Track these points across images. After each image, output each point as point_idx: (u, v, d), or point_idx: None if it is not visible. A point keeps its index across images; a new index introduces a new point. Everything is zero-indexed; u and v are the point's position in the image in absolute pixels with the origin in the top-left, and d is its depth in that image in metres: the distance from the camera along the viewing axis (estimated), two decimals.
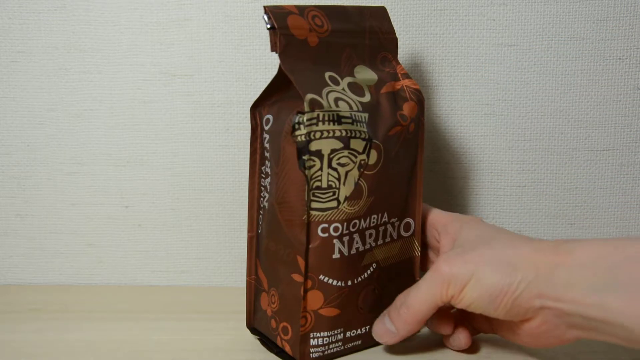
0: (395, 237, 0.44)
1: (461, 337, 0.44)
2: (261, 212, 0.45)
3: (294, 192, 0.41)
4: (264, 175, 0.45)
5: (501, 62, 0.56)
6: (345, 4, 0.45)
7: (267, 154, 0.44)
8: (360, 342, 0.44)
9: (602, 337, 0.36)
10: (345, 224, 0.41)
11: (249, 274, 0.46)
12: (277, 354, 0.44)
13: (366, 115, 0.42)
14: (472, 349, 0.45)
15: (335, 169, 0.40)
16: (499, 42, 0.56)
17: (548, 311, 0.37)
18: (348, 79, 0.43)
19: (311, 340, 0.42)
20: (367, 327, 0.44)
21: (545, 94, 0.56)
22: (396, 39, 0.46)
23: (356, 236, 0.42)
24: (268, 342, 0.45)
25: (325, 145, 0.40)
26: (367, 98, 0.43)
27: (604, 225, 0.58)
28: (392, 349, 0.45)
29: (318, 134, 0.40)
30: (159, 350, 0.45)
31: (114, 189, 0.59)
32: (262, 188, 0.45)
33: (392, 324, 0.42)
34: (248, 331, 0.48)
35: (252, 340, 0.47)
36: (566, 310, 0.36)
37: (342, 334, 0.43)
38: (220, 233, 0.59)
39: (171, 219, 0.59)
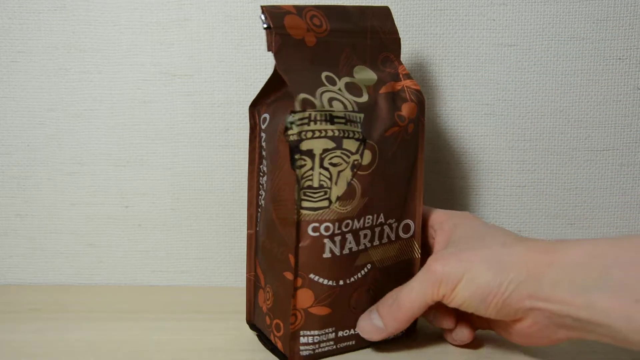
0: (394, 239, 0.44)
1: (464, 332, 0.44)
2: (259, 210, 0.46)
3: (288, 191, 0.41)
4: (261, 174, 0.45)
5: (501, 62, 0.56)
6: (346, 4, 0.45)
7: (264, 153, 0.44)
8: (353, 342, 0.44)
9: (591, 336, 0.36)
10: (336, 223, 0.41)
11: (248, 271, 0.47)
12: (271, 350, 0.44)
13: (361, 115, 0.42)
14: (473, 345, 0.45)
15: (327, 169, 0.40)
16: (499, 42, 0.56)
17: (538, 312, 0.38)
18: (346, 79, 0.43)
19: (301, 338, 0.43)
20: None
21: (545, 94, 0.56)
22: (399, 39, 0.46)
23: (349, 236, 0.42)
24: (264, 339, 0.46)
25: (317, 145, 0.40)
26: (364, 98, 0.43)
27: (604, 225, 0.58)
28: (391, 349, 0.45)
29: (310, 134, 0.40)
30: (159, 350, 0.45)
31: (114, 189, 0.59)
32: (260, 186, 0.45)
33: (380, 320, 0.42)
34: (248, 331, 0.48)
35: (252, 340, 0.47)
36: (555, 311, 0.37)
37: (333, 333, 0.43)
38: (220, 233, 0.59)
39: (171, 219, 0.59)
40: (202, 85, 0.57)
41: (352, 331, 0.44)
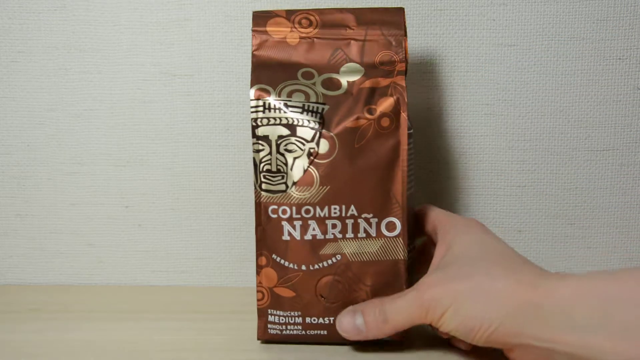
0: (374, 235, 0.44)
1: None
2: None
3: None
4: None
5: (501, 62, 0.56)
6: (354, 7, 0.47)
7: None
8: (325, 332, 0.45)
9: None
10: (294, 208, 0.44)
11: None
12: None
13: (325, 107, 0.44)
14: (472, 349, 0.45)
15: (282, 154, 0.44)
16: (499, 42, 0.56)
17: (527, 347, 0.37)
18: (327, 75, 0.45)
19: (269, 316, 0.46)
20: (332, 319, 0.45)
21: (545, 94, 0.56)
22: (403, 39, 0.46)
23: (312, 223, 0.44)
24: None
25: (272, 131, 0.44)
26: (338, 92, 0.45)
27: (604, 225, 0.58)
28: (389, 349, 0.45)
29: (265, 121, 0.44)
30: (159, 350, 0.45)
31: (114, 189, 0.59)
32: None
33: (363, 324, 0.42)
34: (248, 331, 0.48)
35: (252, 340, 0.47)
36: (546, 348, 0.36)
37: (300, 318, 0.45)
38: (220, 233, 0.59)
39: (171, 219, 0.59)
40: (202, 85, 0.57)
41: (321, 320, 0.45)
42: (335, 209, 0.44)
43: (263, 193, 0.44)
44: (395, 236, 0.44)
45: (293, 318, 0.45)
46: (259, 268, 0.45)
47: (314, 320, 0.45)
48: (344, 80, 0.45)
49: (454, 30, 0.56)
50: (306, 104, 0.44)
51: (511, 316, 0.37)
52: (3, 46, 0.58)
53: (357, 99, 0.44)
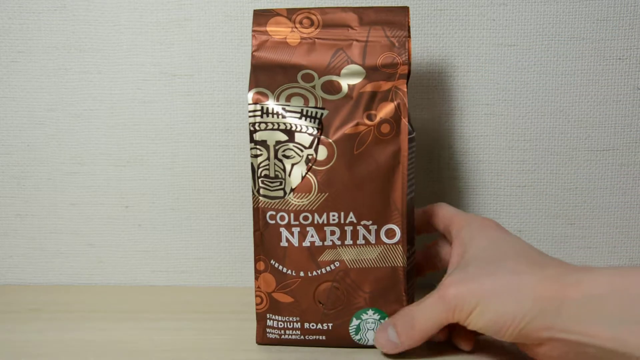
0: (373, 242, 0.44)
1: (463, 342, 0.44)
2: None
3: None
4: None
5: (501, 62, 0.56)
6: (355, 6, 0.46)
7: None
8: (324, 337, 0.45)
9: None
10: (292, 214, 0.43)
11: None
12: None
13: (324, 112, 0.43)
14: (474, 349, 0.45)
15: (280, 160, 0.43)
16: (499, 42, 0.56)
17: (557, 341, 0.37)
18: (328, 77, 0.45)
19: (268, 320, 0.45)
20: (330, 325, 0.45)
21: (545, 94, 0.56)
22: (406, 40, 0.45)
23: (311, 229, 0.43)
24: None
25: (269, 137, 0.43)
26: (338, 96, 0.44)
27: (604, 225, 0.58)
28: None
29: (263, 125, 0.43)
30: (159, 350, 0.45)
31: (114, 189, 0.59)
32: None
33: (396, 336, 0.42)
34: (248, 331, 0.48)
35: (252, 340, 0.47)
36: (576, 341, 0.36)
37: (299, 323, 0.45)
38: (220, 233, 0.59)
39: (171, 219, 0.59)
40: (202, 85, 0.57)
41: (320, 326, 0.45)
42: (334, 215, 0.43)
43: (261, 198, 0.44)
44: (395, 243, 0.44)
45: (292, 323, 0.45)
46: (257, 273, 0.45)
47: (313, 325, 0.45)
48: (345, 84, 0.44)
49: (454, 30, 0.56)
50: (305, 108, 0.43)
51: (542, 311, 0.37)
52: (3, 46, 0.58)
53: (357, 104, 0.43)
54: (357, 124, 0.43)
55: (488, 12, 0.55)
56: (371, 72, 0.44)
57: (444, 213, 0.47)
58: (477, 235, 0.43)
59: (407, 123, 0.43)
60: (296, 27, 0.45)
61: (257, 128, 0.43)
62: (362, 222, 0.44)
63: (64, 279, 0.61)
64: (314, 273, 0.44)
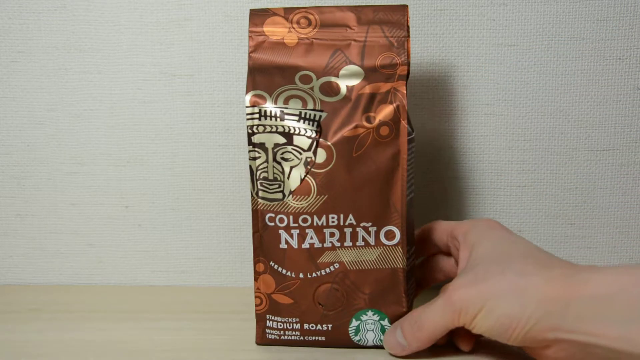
0: (373, 244, 0.44)
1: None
2: None
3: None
4: None
5: (501, 62, 0.56)
6: (352, 4, 0.46)
7: None
8: (323, 338, 0.45)
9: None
10: (291, 217, 0.43)
11: None
12: None
13: (323, 114, 0.43)
14: (474, 349, 0.45)
15: (279, 163, 0.43)
16: (499, 42, 0.56)
17: (564, 342, 0.37)
18: (326, 79, 0.44)
19: (267, 321, 0.45)
20: (330, 326, 0.45)
21: (545, 94, 0.56)
22: (405, 40, 0.44)
23: (310, 232, 0.43)
24: None
25: (268, 139, 0.43)
26: (336, 98, 0.43)
27: (604, 225, 0.58)
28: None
29: (261, 128, 0.43)
30: (159, 350, 0.45)
31: (114, 189, 0.59)
32: None
33: (403, 338, 0.42)
34: (248, 331, 0.48)
35: (252, 340, 0.47)
36: (583, 341, 0.36)
37: (298, 324, 0.45)
38: (220, 233, 0.59)
39: (171, 219, 0.59)
40: (202, 85, 0.57)
41: (319, 327, 0.45)
42: (333, 218, 0.43)
43: (260, 200, 0.44)
44: (395, 245, 0.44)
45: (291, 324, 0.45)
46: (257, 274, 0.45)
47: (312, 326, 0.45)
48: (343, 85, 0.44)
49: (454, 30, 0.56)
50: (303, 111, 0.43)
51: (548, 312, 0.37)
52: (3, 46, 0.58)
53: (355, 106, 0.43)
54: (356, 127, 0.42)
55: (488, 12, 0.55)
56: (370, 73, 0.44)
57: (444, 226, 0.47)
58: (483, 237, 0.43)
59: (406, 125, 0.43)
60: (293, 27, 0.45)
61: (255, 131, 0.43)
62: (361, 224, 0.43)
63: (64, 279, 0.61)
64: (314, 274, 0.44)
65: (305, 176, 0.43)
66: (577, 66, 0.56)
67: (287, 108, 0.43)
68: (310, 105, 0.43)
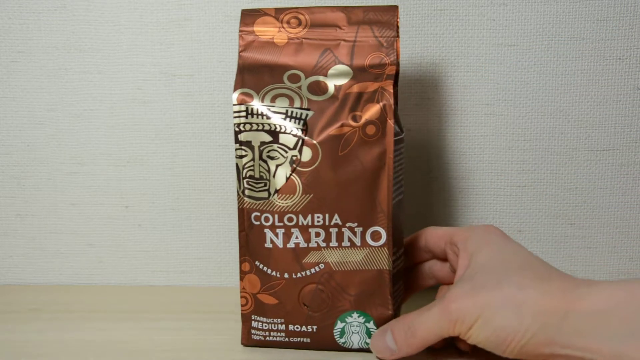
0: (359, 244, 0.43)
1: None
2: None
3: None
4: None
5: (501, 62, 0.56)
6: (343, 5, 0.45)
7: None
8: (309, 340, 0.45)
9: None
10: (276, 216, 0.43)
11: None
12: None
13: (309, 113, 0.43)
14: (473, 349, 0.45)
15: (265, 161, 0.43)
16: (499, 42, 0.56)
17: (560, 357, 0.37)
18: (314, 78, 0.44)
19: (253, 322, 0.45)
20: (315, 327, 0.44)
21: (545, 94, 0.56)
22: (395, 40, 0.44)
23: (295, 231, 0.43)
24: None
25: (254, 137, 0.43)
26: (323, 97, 0.43)
27: (604, 225, 0.58)
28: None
29: (248, 126, 0.43)
30: (159, 350, 0.45)
31: (114, 189, 0.59)
32: None
33: (394, 342, 0.42)
34: None
35: None
36: (579, 356, 0.36)
37: (283, 325, 0.45)
38: (220, 233, 0.59)
39: (171, 219, 0.59)
40: (202, 85, 0.57)
41: (304, 328, 0.44)
42: (318, 217, 0.43)
43: (246, 199, 0.44)
44: (380, 246, 0.43)
45: (276, 325, 0.45)
46: (242, 274, 0.45)
47: (297, 328, 0.44)
48: (331, 84, 0.44)
49: (454, 30, 0.56)
50: (290, 109, 0.43)
51: (544, 326, 0.36)
52: (3, 46, 0.58)
53: (342, 105, 0.43)
54: (342, 125, 0.42)
55: (488, 12, 0.55)
56: (359, 73, 0.44)
57: (441, 232, 0.46)
58: (482, 245, 0.42)
59: (392, 125, 0.42)
60: (283, 27, 0.45)
61: (242, 129, 0.43)
62: (347, 224, 0.43)
63: (64, 279, 0.61)
64: (299, 275, 0.44)
65: (290, 175, 0.43)
66: (577, 66, 0.56)
67: (273, 106, 0.43)
68: (297, 104, 0.43)
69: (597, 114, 0.56)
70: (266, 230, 0.44)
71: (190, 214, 0.59)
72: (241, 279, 0.45)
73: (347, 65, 0.44)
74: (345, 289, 0.44)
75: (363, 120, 0.42)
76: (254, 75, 0.44)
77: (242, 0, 0.56)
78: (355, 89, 0.43)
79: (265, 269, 0.44)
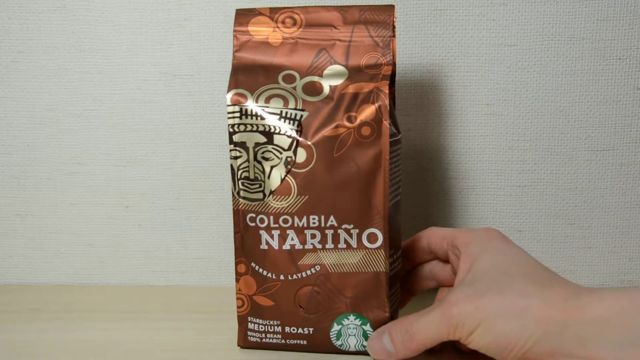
0: (355, 246, 0.43)
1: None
2: None
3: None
4: None
5: (501, 62, 0.56)
6: (338, 5, 0.45)
7: None
8: (305, 342, 0.44)
9: None
10: (272, 217, 0.43)
11: None
12: None
13: (304, 113, 0.43)
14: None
15: (260, 162, 0.43)
16: (499, 42, 0.56)
17: None
18: (309, 78, 0.44)
19: (249, 324, 0.45)
20: (311, 329, 0.44)
21: (545, 94, 0.56)
22: (391, 40, 0.44)
23: (291, 233, 0.43)
24: None
25: (249, 138, 0.43)
26: (318, 97, 0.43)
27: (604, 225, 0.58)
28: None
29: (242, 127, 0.43)
30: (159, 350, 0.45)
31: (114, 189, 0.59)
32: None
33: (391, 345, 0.41)
34: None
35: None
36: None
37: (279, 327, 0.44)
38: (220, 233, 0.59)
39: (171, 219, 0.59)
40: (202, 85, 0.57)
41: (301, 330, 0.44)
42: (314, 219, 0.43)
43: (241, 200, 0.43)
44: (377, 248, 0.43)
45: (272, 327, 0.45)
46: (238, 275, 0.45)
47: (294, 330, 0.44)
48: (327, 85, 0.43)
49: (454, 30, 0.56)
50: (284, 110, 0.43)
51: (546, 334, 0.36)
52: (3, 46, 0.58)
53: (337, 106, 0.42)
54: (337, 126, 0.42)
55: (488, 12, 0.55)
56: (354, 73, 0.43)
57: (443, 233, 0.46)
58: (485, 250, 0.42)
59: (388, 125, 0.42)
60: (278, 27, 0.45)
61: (237, 129, 0.43)
62: (343, 226, 0.43)
63: (64, 279, 0.61)
64: (294, 277, 0.44)
65: (285, 176, 0.43)
66: (577, 66, 0.56)
67: (268, 107, 0.43)
68: (292, 105, 0.43)
69: (597, 114, 0.56)
70: (261, 232, 0.43)
71: (190, 214, 0.59)
72: (237, 280, 0.45)
73: (342, 65, 0.44)
74: (342, 291, 0.44)
75: (358, 121, 0.42)
76: (249, 76, 0.44)
77: (242, 1, 0.56)
78: (351, 89, 0.43)
79: (261, 270, 0.44)
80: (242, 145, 0.43)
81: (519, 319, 0.37)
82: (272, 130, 0.42)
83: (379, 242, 0.43)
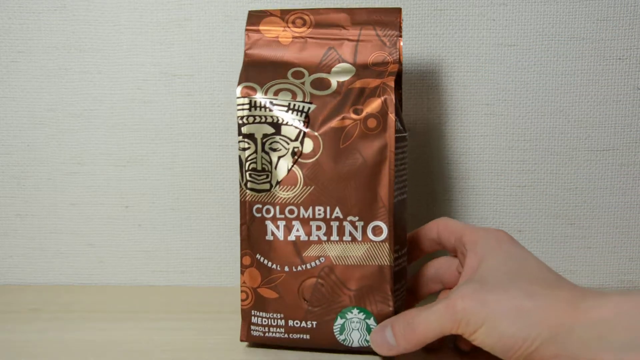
0: (360, 239, 0.43)
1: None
2: None
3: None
4: None
5: (501, 62, 0.56)
6: (348, 7, 0.46)
7: None
8: (308, 336, 0.44)
9: None
10: (278, 207, 0.44)
11: None
12: None
13: (312, 106, 0.44)
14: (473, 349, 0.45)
15: (267, 153, 0.44)
16: (499, 42, 0.56)
17: None
18: (318, 75, 0.45)
19: (252, 317, 0.45)
20: (315, 323, 0.44)
21: (545, 94, 0.56)
22: (397, 39, 0.45)
23: (296, 224, 0.44)
24: None
25: (257, 130, 0.44)
26: (326, 92, 0.44)
27: (604, 225, 0.58)
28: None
29: (251, 119, 0.44)
30: (159, 350, 0.45)
31: (114, 189, 0.59)
32: None
33: (393, 337, 0.41)
34: None
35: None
36: None
37: (283, 321, 0.45)
38: (220, 233, 0.59)
39: (171, 219, 0.59)
40: (202, 85, 0.57)
41: (304, 324, 0.44)
42: (319, 210, 0.43)
43: (248, 191, 0.44)
44: (382, 241, 0.43)
45: (276, 320, 0.45)
46: (243, 268, 0.45)
47: (297, 323, 0.44)
48: (334, 81, 0.45)
49: (454, 30, 0.56)
50: (292, 102, 0.44)
51: (551, 336, 0.36)
52: (3, 46, 0.58)
53: (344, 99, 0.43)
54: (344, 118, 0.43)
55: (488, 12, 0.55)
56: (361, 70, 0.45)
57: (453, 227, 0.46)
58: (492, 250, 0.42)
59: (393, 119, 0.43)
60: (289, 27, 0.46)
61: (245, 121, 0.44)
62: (348, 218, 0.43)
63: (64, 279, 0.61)
64: (299, 268, 0.44)
65: (292, 166, 0.43)
66: (577, 66, 0.56)
67: (276, 99, 0.44)
68: (300, 98, 0.44)
69: (597, 114, 0.56)
70: (267, 222, 0.44)
71: (190, 214, 0.59)
72: (242, 272, 0.45)
73: (350, 63, 0.45)
74: (346, 284, 0.44)
75: (364, 113, 0.43)
76: (259, 71, 0.45)
77: (242, 1, 0.56)
78: (358, 84, 0.44)
79: (265, 262, 0.44)
80: (251, 136, 0.44)
81: (525, 320, 0.37)
82: (280, 121, 0.44)
83: (384, 235, 0.43)
